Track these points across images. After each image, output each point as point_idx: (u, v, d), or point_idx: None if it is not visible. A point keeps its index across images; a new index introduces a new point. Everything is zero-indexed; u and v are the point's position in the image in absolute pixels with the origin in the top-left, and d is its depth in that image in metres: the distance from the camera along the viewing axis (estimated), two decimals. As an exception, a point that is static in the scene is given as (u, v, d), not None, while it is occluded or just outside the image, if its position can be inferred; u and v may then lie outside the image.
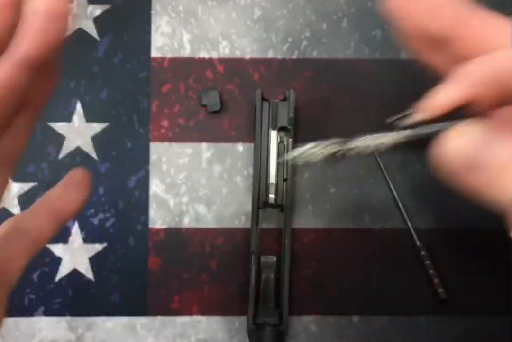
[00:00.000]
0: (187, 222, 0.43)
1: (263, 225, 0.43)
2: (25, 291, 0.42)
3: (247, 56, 0.43)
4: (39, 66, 0.20)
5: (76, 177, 0.27)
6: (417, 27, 0.26)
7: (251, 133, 0.42)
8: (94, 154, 0.43)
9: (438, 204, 0.43)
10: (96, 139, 0.43)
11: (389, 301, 0.43)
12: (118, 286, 0.42)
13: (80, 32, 0.43)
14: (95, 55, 0.43)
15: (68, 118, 0.43)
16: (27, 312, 0.42)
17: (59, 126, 0.43)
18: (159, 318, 0.42)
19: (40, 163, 0.43)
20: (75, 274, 0.42)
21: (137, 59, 0.43)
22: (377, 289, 0.43)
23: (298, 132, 0.43)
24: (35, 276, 0.42)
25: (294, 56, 0.44)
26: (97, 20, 0.43)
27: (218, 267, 0.43)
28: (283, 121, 0.41)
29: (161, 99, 0.43)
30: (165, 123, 0.43)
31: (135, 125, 0.43)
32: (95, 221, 0.43)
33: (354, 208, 0.43)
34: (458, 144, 0.23)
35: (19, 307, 0.42)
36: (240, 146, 0.43)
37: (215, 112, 0.43)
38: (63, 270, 0.42)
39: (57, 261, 0.42)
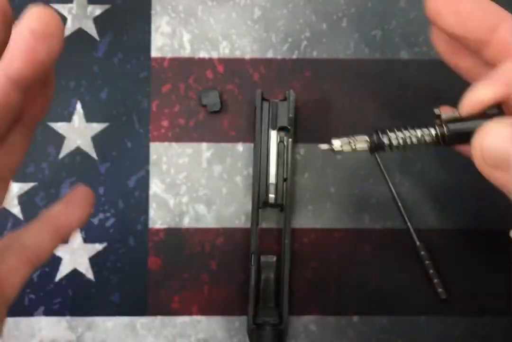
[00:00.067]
0: (187, 222, 0.43)
1: (263, 225, 0.43)
2: (25, 291, 0.42)
3: (247, 56, 0.43)
4: (31, 84, 0.20)
5: (79, 193, 0.27)
6: (451, 30, 0.27)
7: (251, 133, 0.42)
8: (94, 154, 0.43)
9: (438, 204, 0.43)
10: (96, 139, 0.43)
11: (389, 301, 0.43)
12: (118, 286, 0.42)
13: (80, 32, 0.43)
14: (95, 55, 0.43)
15: (68, 118, 0.43)
16: (27, 311, 0.42)
17: (59, 126, 0.43)
18: (159, 318, 0.42)
19: (40, 163, 0.43)
20: (75, 274, 0.42)
21: (137, 59, 0.43)
22: (377, 289, 0.43)
23: (298, 132, 0.43)
24: (35, 276, 0.42)
25: (294, 56, 0.44)
26: (97, 20, 0.43)
27: (218, 267, 0.43)
28: (283, 121, 0.41)
29: (161, 99, 0.43)
30: (165, 123, 0.43)
31: (135, 125, 0.43)
32: (95, 220, 0.43)
33: (354, 208, 0.43)
34: (493, 140, 0.23)
35: (19, 307, 0.42)
36: (240, 146, 0.43)
37: (215, 112, 0.43)
38: (63, 270, 0.42)
39: (57, 261, 0.42)
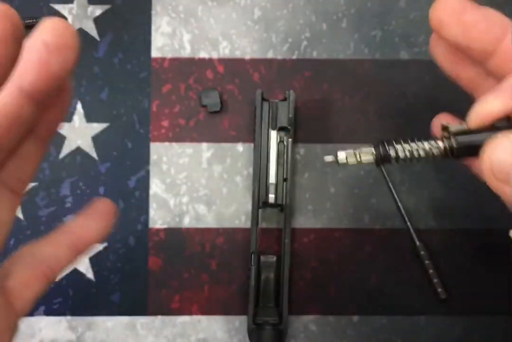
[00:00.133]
0: (187, 222, 0.43)
1: (263, 225, 0.43)
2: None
3: (247, 56, 0.44)
4: (44, 97, 0.20)
5: (100, 206, 0.26)
6: (455, 40, 0.26)
7: (251, 133, 0.43)
8: (94, 154, 0.43)
9: (438, 204, 0.43)
10: (97, 139, 0.43)
11: (389, 300, 0.43)
12: (118, 285, 0.42)
13: (81, 32, 0.43)
14: (95, 55, 0.43)
15: (68, 118, 0.43)
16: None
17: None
18: (159, 317, 0.42)
19: (40, 163, 0.43)
20: (75, 273, 0.42)
21: (137, 60, 0.43)
22: (376, 289, 0.43)
23: (298, 132, 0.43)
24: (35, 275, 0.42)
25: (294, 57, 0.44)
26: (97, 20, 0.43)
27: (218, 267, 0.43)
28: (283, 121, 0.41)
29: (161, 99, 0.43)
30: (165, 123, 0.43)
31: (135, 125, 0.43)
32: (96, 220, 0.43)
33: (354, 207, 0.43)
34: (502, 153, 0.22)
35: (20, 307, 0.42)
36: (240, 146, 0.43)
37: (215, 112, 0.43)
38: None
39: (57, 260, 0.42)
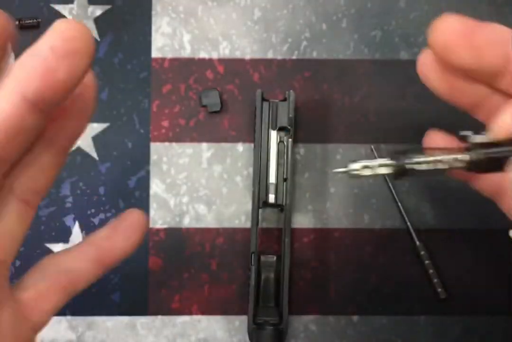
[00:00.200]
0: (187, 222, 0.43)
1: (263, 225, 0.43)
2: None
3: (247, 56, 0.44)
4: (51, 106, 0.18)
5: (130, 218, 0.25)
6: (465, 65, 0.23)
7: (251, 133, 0.43)
8: (94, 154, 0.43)
9: (437, 203, 0.43)
10: (97, 139, 0.43)
11: (389, 300, 0.43)
12: (118, 285, 0.42)
13: (81, 33, 0.43)
14: (95, 56, 0.43)
15: (68, 118, 0.43)
16: (28, 311, 0.42)
17: (60, 127, 0.43)
18: (159, 317, 0.42)
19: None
20: (75, 273, 0.42)
21: (137, 60, 0.43)
22: (376, 289, 0.43)
23: (298, 132, 0.43)
24: (35, 275, 0.42)
25: (294, 57, 0.44)
26: (97, 21, 0.43)
27: (218, 267, 0.43)
28: (283, 121, 0.41)
29: (161, 99, 0.43)
30: (165, 123, 0.43)
31: (135, 126, 0.43)
32: (96, 220, 0.43)
33: (354, 208, 0.43)
34: None
35: (20, 307, 0.42)
36: (240, 146, 0.43)
37: (215, 112, 0.43)
38: (64, 270, 0.42)
39: (57, 260, 0.42)
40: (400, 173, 0.23)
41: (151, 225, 0.43)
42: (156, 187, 0.43)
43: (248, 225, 0.42)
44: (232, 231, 0.43)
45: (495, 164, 0.22)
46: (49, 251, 0.42)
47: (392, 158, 0.24)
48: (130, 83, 0.43)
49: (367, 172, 0.24)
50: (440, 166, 0.23)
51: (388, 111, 0.43)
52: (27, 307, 0.22)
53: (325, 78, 0.43)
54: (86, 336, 0.42)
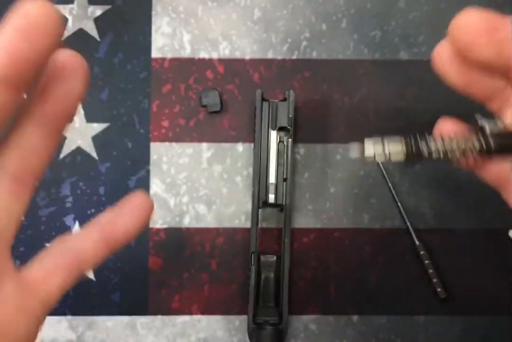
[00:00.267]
0: (187, 222, 0.43)
1: (263, 225, 0.43)
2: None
3: (247, 56, 0.44)
4: (22, 83, 0.20)
5: (134, 200, 0.26)
6: (488, 61, 0.23)
7: (251, 133, 0.43)
8: (94, 154, 0.43)
9: (437, 204, 0.43)
10: (97, 139, 0.43)
11: (388, 300, 0.43)
12: (118, 285, 0.42)
13: (81, 33, 0.43)
14: (95, 56, 0.43)
15: (69, 118, 0.43)
16: (28, 311, 0.42)
17: (60, 127, 0.43)
18: (159, 317, 0.42)
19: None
20: (75, 273, 0.42)
21: (137, 60, 0.43)
22: (376, 289, 0.43)
23: (298, 132, 0.43)
24: (36, 275, 0.42)
25: (294, 57, 0.44)
26: (97, 21, 0.44)
27: (218, 267, 0.43)
28: (283, 121, 0.41)
29: (161, 99, 0.43)
30: (165, 123, 0.43)
31: (135, 126, 0.43)
32: (96, 220, 0.43)
33: (353, 207, 0.43)
34: None
35: (20, 307, 0.42)
36: (240, 146, 0.43)
37: (215, 112, 0.43)
38: (64, 270, 0.42)
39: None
40: (414, 157, 0.24)
41: (151, 225, 0.43)
42: (156, 186, 0.43)
43: (248, 225, 0.42)
44: (232, 231, 0.43)
45: (505, 153, 0.23)
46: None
47: (405, 143, 0.24)
48: (130, 83, 0.43)
49: (381, 158, 0.24)
50: (452, 152, 0.23)
51: (388, 111, 0.43)
52: (34, 283, 0.24)
53: (325, 78, 0.44)
54: (86, 336, 0.42)
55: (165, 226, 0.43)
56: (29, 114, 0.22)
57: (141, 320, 0.42)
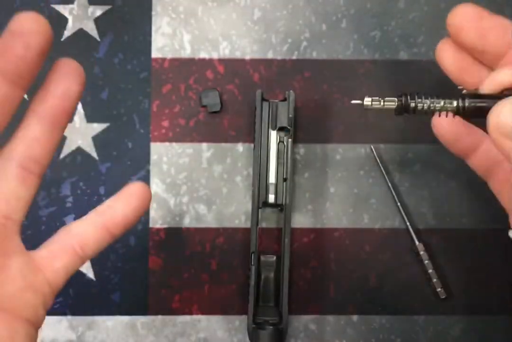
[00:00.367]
0: (187, 222, 0.43)
1: (263, 225, 0.43)
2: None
3: (247, 56, 0.44)
4: (16, 76, 0.23)
5: (131, 189, 0.28)
6: (472, 44, 0.30)
7: (251, 134, 0.43)
8: (94, 154, 0.43)
9: (437, 203, 0.43)
10: (97, 139, 0.43)
11: (388, 300, 0.43)
12: (118, 285, 0.42)
13: (81, 33, 0.43)
14: (96, 56, 0.43)
15: (69, 118, 0.43)
16: (28, 311, 0.42)
17: (60, 127, 0.43)
18: (159, 317, 0.42)
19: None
20: (76, 273, 0.42)
21: (137, 60, 0.44)
22: (376, 289, 0.43)
23: (298, 132, 0.43)
24: (36, 275, 0.42)
25: (294, 57, 0.44)
26: (97, 21, 0.44)
27: (218, 267, 0.43)
28: (283, 121, 0.41)
29: (161, 99, 0.43)
30: (165, 123, 0.43)
31: (135, 126, 0.43)
32: (96, 220, 0.43)
33: (353, 207, 0.43)
34: (508, 113, 0.25)
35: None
36: (240, 146, 0.43)
37: (215, 112, 0.43)
38: (64, 270, 0.42)
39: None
40: (402, 109, 0.29)
41: (151, 225, 0.43)
42: (156, 186, 0.43)
43: (248, 224, 0.42)
44: (232, 230, 0.43)
45: (481, 112, 0.27)
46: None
47: (398, 97, 0.29)
48: (130, 83, 0.43)
49: (376, 104, 0.29)
50: (434, 108, 0.28)
51: (387, 111, 0.43)
52: (41, 262, 0.26)
53: (325, 78, 0.44)
54: (86, 336, 0.42)
55: (165, 226, 0.43)
56: (32, 111, 0.25)
57: (141, 320, 0.42)
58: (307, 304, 0.43)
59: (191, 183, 0.43)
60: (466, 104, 0.28)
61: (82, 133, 0.43)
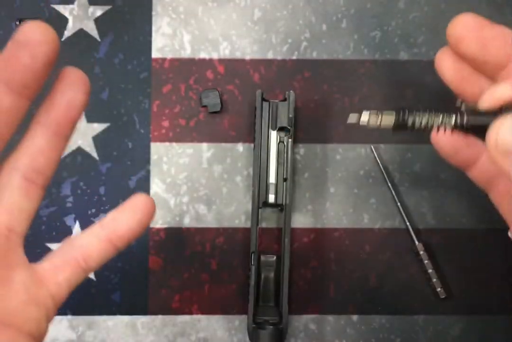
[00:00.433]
0: (187, 222, 0.43)
1: (263, 225, 0.43)
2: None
3: (247, 57, 0.44)
4: (22, 87, 0.23)
5: (135, 201, 0.28)
6: (473, 54, 0.29)
7: (251, 134, 0.43)
8: (95, 154, 0.43)
9: (437, 203, 0.43)
10: (97, 140, 0.43)
11: (388, 300, 0.43)
12: (118, 285, 0.43)
13: (81, 33, 0.43)
14: (96, 56, 0.43)
15: (69, 118, 0.43)
16: (29, 311, 0.42)
17: (61, 127, 0.43)
18: (159, 317, 0.42)
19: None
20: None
21: (138, 60, 0.44)
22: (376, 288, 0.43)
23: (298, 132, 0.43)
24: (36, 275, 0.42)
25: (294, 57, 0.44)
26: (98, 21, 0.44)
27: (218, 266, 0.43)
28: (283, 121, 0.41)
29: (161, 99, 0.43)
30: (165, 123, 0.43)
31: (136, 126, 0.43)
32: (97, 220, 0.43)
33: (353, 207, 0.43)
34: (507, 131, 0.25)
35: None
36: (240, 147, 0.43)
37: (216, 112, 0.43)
38: (64, 269, 0.43)
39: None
40: (400, 126, 0.28)
41: (151, 225, 0.43)
42: (156, 186, 0.43)
43: (248, 224, 0.42)
44: (232, 230, 0.43)
45: (480, 129, 0.26)
46: (50, 251, 0.42)
47: (396, 113, 0.28)
48: (131, 83, 0.43)
49: (373, 122, 0.29)
50: (432, 125, 0.28)
51: (387, 112, 0.43)
52: (44, 275, 0.25)
53: (325, 78, 0.44)
54: (86, 336, 0.42)
55: (165, 226, 0.43)
56: (37, 121, 0.25)
57: (141, 320, 0.42)
58: (307, 304, 0.43)
59: (191, 183, 0.43)
60: (465, 120, 0.27)
61: (83, 133, 0.43)
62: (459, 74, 0.31)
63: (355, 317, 0.43)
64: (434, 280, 0.42)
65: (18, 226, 0.25)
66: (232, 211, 0.43)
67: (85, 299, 0.43)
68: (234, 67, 0.44)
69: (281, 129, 0.41)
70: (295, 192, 0.43)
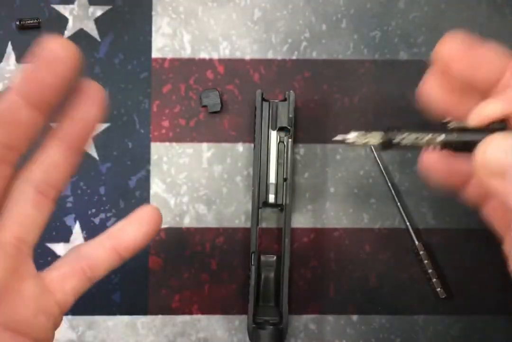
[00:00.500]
0: (187, 222, 0.43)
1: (263, 225, 0.43)
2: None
3: (247, 56, 0.44)
4: (43, 102, 0.23)
5: (143, 212, 0.28)
6: (464, 74, 0.27)
7: (251, 134, 0.43)
8: (95, 154, 0.43)
9: (437, 203, 0.43)
10: (97, 139, 0.43)
11: (388, 300, 0.43)
12: (118, 285, 0.43)
13: (81, 33, 0.43)
14: (96, 56, 0.43)
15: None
16: (29, 311, 0.42)
17: (61, 127, 0.43)
18: (159, 317, 0.42)
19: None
20: (76, 273, 0.42)
21: (138, 60, 0.44)
22: (376, 288, 0.43)
23: (298, 132, 0.43)
24: (36, 275, 0.42)
25: (294, 57, 0.44)
26: (98, 21, 0.44)
27: (218, 266, 0.43)
28: (283, 121, 0.41)
29: (161, 99, 0.43)
30: (165, 123, 0.43)
31: (136, 126, 0.43)
32: (96, 220, 0.43)
33: (353, 207, 0.43)
34: (494, 150, 0.24)
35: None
36: (240, 146, 0.43)
37: (216, 112, 0.43)
38: (64, 269, 0.43)
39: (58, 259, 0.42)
40: (387, 144, 0.28)
41: (151, 225, 0.43)
42: (156, 186, 0.43)
43: (248, 224, 0.42)
44: (232, 230, 0.43)
45: (468, 146, 0.26)
46: (50, 251, 0.42)
47: (384, 133, 0.28)
48: (131, 83, 0.43)
49: (360, 141, 0.28)
50: (419, 144, 0.27)
51: (388, 111, 0.44)
52: (52, 284, 0.26)
53: (325, 78, 0.44)
54: (86, 336, 0.42)
55: (165, 226, 0.43)
56: (52, 135, 0.25)
57: (141, 320, 0.42)
58: (307, 304, 0.43)
59: (191, 183, 0.43)
60: (453, 138, 0.27)
61: (83, 133, 0.43)
62: (446, 98, 0.29)
63: (355, 317, 0.43)
64: (434, 280, 0.42)
65: (29, 237, 0.25)
66: (232, 211, 0.43)
67: (85, 299, 0.42)
68: (234, 67, 0.44)
69: (281, 129, 0.41)
70: (295, 192, 0.43)
